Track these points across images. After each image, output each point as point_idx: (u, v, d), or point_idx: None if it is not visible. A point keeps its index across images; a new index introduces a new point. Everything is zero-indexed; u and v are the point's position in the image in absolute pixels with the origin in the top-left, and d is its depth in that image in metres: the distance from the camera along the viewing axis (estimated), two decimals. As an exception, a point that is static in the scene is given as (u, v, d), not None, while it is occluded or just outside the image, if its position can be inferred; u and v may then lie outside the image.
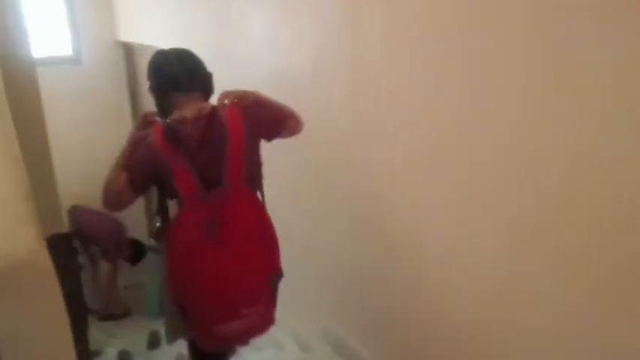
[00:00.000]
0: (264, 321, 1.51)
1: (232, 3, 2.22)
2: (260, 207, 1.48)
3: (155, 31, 3.17)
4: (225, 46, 2.32)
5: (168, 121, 1.41)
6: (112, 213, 1.73)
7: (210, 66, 1.53)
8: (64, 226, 2.50)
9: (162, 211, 1.48)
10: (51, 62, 3.82)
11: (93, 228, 3.77)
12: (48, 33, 3.85)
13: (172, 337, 1.58)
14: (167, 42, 3.04)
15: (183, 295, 1.43)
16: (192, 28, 2.60)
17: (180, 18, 2.76)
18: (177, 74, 1.47)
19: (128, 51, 4.12)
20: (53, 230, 1.87)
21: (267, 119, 1.48)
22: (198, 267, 1.38)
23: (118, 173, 1.41)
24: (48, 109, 3.57)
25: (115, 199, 1.43)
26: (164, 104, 1.49)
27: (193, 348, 1.60)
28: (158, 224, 1.52)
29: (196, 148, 1.38)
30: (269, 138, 1.52)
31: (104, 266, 3.94)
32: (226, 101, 1.41)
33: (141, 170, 1.40)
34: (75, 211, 3.90)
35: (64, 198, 3.77)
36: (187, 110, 1.42)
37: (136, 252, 3.81)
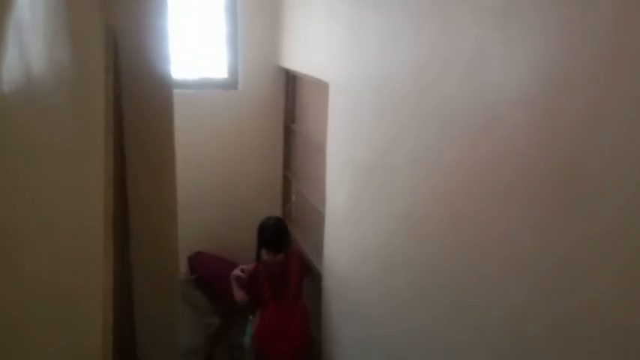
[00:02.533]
0: None
1: (466, 32, 1.45)
2: (304, 311, 2.99)
3: (325, 63, 2.72)
4: (442, 96, 1.61)
5: (259, 260, 2.98)
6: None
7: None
8: (177, 271, 2.17)
9: (254, 302, 3.02)
10: (203, 85, 3.62)
11: (211, 275, 3.44)
12: (207, 54, 3.66)
13: None
14: (338, 77, 2.57)
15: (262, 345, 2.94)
16: (380, 63, 2.04)
17: (361, 53, 2.23)
18: (270, 238, 2.91)
19: (290, 80, 3.79)
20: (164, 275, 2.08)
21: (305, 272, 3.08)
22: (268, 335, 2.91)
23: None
24: (192, 132, 3.40)
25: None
26: (259, 249, 2.95)
27: None
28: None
29: (273, 276, 2.93)
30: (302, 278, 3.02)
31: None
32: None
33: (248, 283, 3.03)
34: (196, 258, 3.65)
35: (193, 235, 3.57)
36: (270, 257, 2.89)
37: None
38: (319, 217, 3.04)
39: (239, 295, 3.03)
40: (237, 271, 3.09)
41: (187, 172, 3.34)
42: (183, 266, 3.57)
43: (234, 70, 3.65)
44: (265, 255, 2.88)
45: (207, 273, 3.54)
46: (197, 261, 3.65)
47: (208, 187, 3.79)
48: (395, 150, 1.95)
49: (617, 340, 1.01)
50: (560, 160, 1.13)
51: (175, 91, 2.08)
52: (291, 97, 3.83)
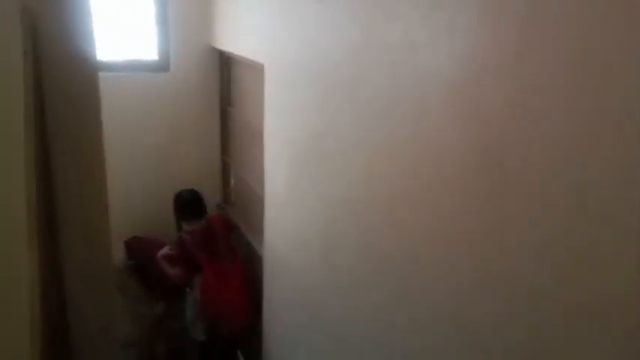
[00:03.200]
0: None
1: (397, 21, 1.48)
2: (242, 265, 3.23)
3: (260, 44, 2.71)
4: (376, 83, 1.63)
5: (182, 230, 3.19)
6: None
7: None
8: (110, 261, 2.12)
9: (191, 271, 3.14)
10: (132, 67, 3.50)
11: (149, 260, 3.36)
12: (136, 35, 3.54)
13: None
14: (274, 59, 2.56)
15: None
16: (314, 47, 2.04)
17: (296, 36, 2.22)
18: (187, 207, 3.22)
19: (224, 62, 3.73)
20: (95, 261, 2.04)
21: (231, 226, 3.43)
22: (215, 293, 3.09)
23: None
24: (122, 118, 3.31)
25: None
26: (179, 222, 3.23)
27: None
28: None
29: (201, 243, 3.11)
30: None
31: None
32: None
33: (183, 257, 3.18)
34: (132, 243, 3.56)
35: (129, 221, 3.49)
36: (192, 226, 3.16)
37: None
38: (259, 201, 3.05)
39: (174, 272, 3.15)
40: (164, 251, 3.21)
41: (121, 158, 3.25)
42: (120, 252, 3.49)
43: (165, 52, 3.55)
44: (187, 226, 3.12)
45: (145, 258, 3.48)
46: (134, 246, 3.57)
47: (144, 172, 3.70)
48: (330, 135, 1.98)
49: (565, 319, 1.05)
50: (486, 144, 1.19)
51: (103, 74, 2.01)
52: (226, 80, 3.78)
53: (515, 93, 1.10)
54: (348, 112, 1.82)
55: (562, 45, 0.99)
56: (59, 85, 1.76)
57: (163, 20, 3.50)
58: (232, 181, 4.01)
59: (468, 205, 1.28)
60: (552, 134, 1.02)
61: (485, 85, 1.18)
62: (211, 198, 4.01)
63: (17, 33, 1.32)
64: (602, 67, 0.91)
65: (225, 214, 3.60)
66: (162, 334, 3.56)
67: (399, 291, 1.63)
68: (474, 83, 1.21)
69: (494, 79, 1.15)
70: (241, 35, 3.05)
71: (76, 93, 1.82)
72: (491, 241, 1.22)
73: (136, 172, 3.64)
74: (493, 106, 1.16)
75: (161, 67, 3.56)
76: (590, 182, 0.95)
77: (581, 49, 0.95)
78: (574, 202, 0.98)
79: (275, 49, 2.50)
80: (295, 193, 2.41)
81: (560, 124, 1.00)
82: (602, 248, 0.94)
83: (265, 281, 2.98)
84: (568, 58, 0.97)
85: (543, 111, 1.04)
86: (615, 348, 0.93)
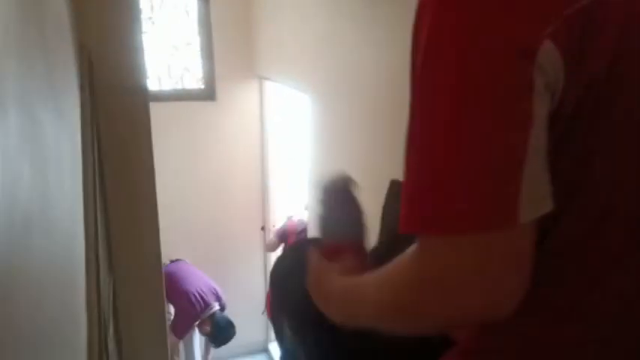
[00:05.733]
0: None
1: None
2: None
3: (302, 73, 2.78)
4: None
5: None
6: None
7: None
8: (160, 279, 2.16)
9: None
10: (180, 96, 3.63)
11: (173, 287, 3.30)
12: (183, 65, 3.68)
13: None
14: (316, 88, 2.68)
15: None
16: (357, 73, 2.09)
17: (341, 60, 2.27)
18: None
19: (267, 90, 3.83)
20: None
21: None
22: None
23: None
24: (170, 146, 3.42)
25: None
26: None
27: None
28: None
29: None
30: None
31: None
32: None
33: None
34: (169, 266, 3.52)
35: (172, 246, 3.55)
36: None
37: (218, 332, 3.36)
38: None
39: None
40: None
41: (170, 185, 3.35)
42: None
43: (210, 81, 3.66)
44: None
45: (175, 277, 3.44)
46: (169, 268, 3.56)
47: (193, 199, 3.81)
48: (374, 152, 2.01)
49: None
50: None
51: (152, 104, 2.10)
52: (269, 107, 3.87)
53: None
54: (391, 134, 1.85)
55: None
56: (113, 116, 1.85)
57: (209, 51, 3.62)
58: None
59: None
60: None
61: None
62: (254, 223, 4.09)
63: (74, 70, 1.42)
64: None
65: None
66: None
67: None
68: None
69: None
70: (284, 64, 3.13)
71: (128, 123, 1.91)
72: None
73: (184, 199, 3.74)
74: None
75: (207, 95, 3.67)
76: None
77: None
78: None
79: (318, 77, 2.55)
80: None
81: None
82: None
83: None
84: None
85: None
86: None
